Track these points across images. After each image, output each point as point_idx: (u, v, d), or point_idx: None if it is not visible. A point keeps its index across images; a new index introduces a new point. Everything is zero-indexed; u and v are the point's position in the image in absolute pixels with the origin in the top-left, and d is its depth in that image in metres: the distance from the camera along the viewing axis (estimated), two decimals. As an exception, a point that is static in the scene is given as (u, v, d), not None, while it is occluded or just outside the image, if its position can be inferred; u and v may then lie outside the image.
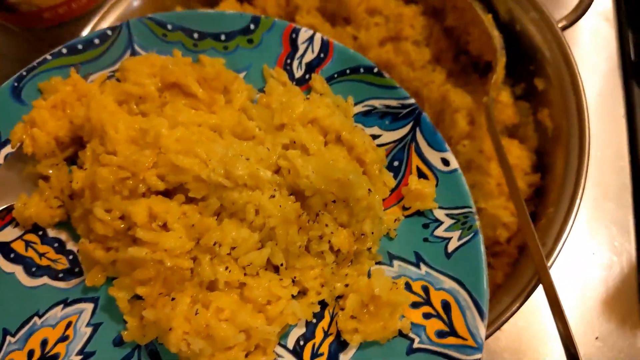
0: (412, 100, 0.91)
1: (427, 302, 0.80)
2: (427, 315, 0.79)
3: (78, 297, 0.80)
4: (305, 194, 0.79)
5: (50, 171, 0.84)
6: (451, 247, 0.82)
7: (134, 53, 0.95)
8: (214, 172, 0.75)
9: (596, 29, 1.28)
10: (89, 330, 0.78)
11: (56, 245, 0.84)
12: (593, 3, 1.05)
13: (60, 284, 0.81)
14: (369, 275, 0.81)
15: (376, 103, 0.93)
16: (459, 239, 0.82)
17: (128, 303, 0.77)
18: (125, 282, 0.76)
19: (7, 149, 0.87)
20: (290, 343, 0.79)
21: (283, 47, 0.97)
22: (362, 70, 0.94)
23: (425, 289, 0.81)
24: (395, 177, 0.88)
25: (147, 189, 0.78)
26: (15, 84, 0.89)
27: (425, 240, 0.84)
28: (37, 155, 0.84)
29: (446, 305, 0.79)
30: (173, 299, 0.73)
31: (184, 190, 0.79)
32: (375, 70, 0.93)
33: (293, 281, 0.79)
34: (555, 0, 1.23)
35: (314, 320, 0.80)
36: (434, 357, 0.76)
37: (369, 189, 0.76)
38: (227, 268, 0.74)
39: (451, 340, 0.77)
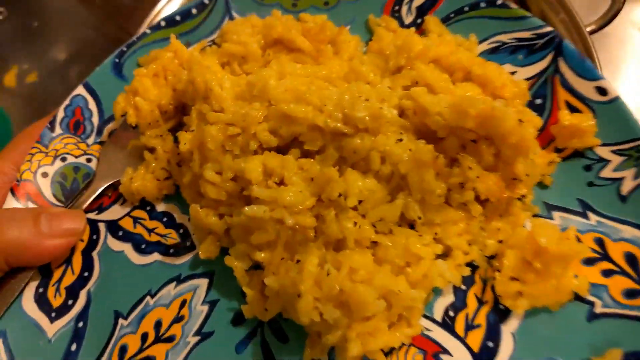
0: (549, 28, 0.77)
1: (605, 256, 0.65)
2: (607, 273, 0.64)
3: (191, 272, 0.73)
4: (437, 136, 0.67)
5: (156, 142, 0.78)
6: (626, 188, 0.67)
7: (232, 19, 0.89)
8: (330, 117, 0.66)
9: (626, 36, 1.25)
10: (205, 308, 0.70)
11: (165, 219, 0.77)
12: (623, 10, 1.01)
13: (172, 260, 0.74)
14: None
15: (504, 38, 0.80)
16: (635, 177, 0.66)
17: (246, 274, 0.68)
18: (242, 249, 0.68)
19: (112, 126, 0.83)
20: (438, 314, 0.66)
21: (389, -5, 0.88)
22: (482, 4, 0.82)
23: (600, 242, 0.66)
24: (540, 115, 0.74)
25: (259, 146, 0.69)
26: (117, 60, 0.85)
27: (591, 184, 0.69)
28: (141, 126, 0.79)
29: (631, 258, 0.63)
30: (298, 261, 0.62)
31: (298, 144, 0.70)
32: (499, 1, 0.80)
33: (434, 239, 0.66)
34: (587, 6, 1.16)
35: (463, 287, 0.67)
36: (626, 323, 0.60)
37: (520, 119, 0.63)
38: (355, 224, 0.63)
39: (646, 299, 0.61)
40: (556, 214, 0.69)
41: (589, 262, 0.65)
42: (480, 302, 0.66)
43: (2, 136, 1.23)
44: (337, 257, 0.62)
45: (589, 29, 0.98)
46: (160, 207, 0.78)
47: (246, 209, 0.64)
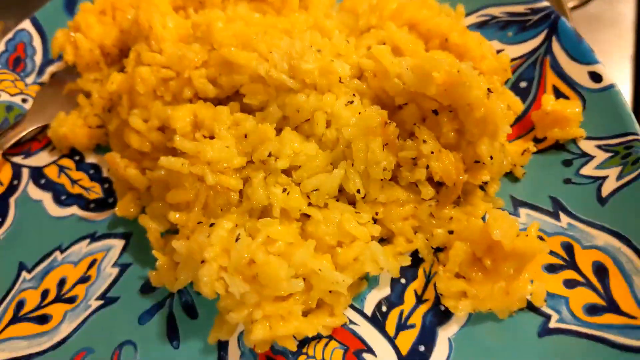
0: (544, 3, 0.68)
1: (571, 264, 0.55)
2: (570, 283, 0.54)
3: (108, 231, 0.65)
4: (395, 103, 0.58)
5: (93, 86, 0.71)
6: (607, 189, 0.57)
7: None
8: (275, 67, 0.57)
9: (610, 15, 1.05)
10: (114, 271, 0.62)
11: (92, 171, 0.70)
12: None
13: (90, 216, 0.66)
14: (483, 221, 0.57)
15: (495, 11, 0.71)
16: (619, 177, 0.57)
17: (162, 238, 0.60)
18: (158, 208, 0.60)
19: (56, 67, 0.76)
20: (369, 307, 0.57)
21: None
22: (476, -27, 0.73)
23: (568, 247, 0.56)
24: (523, 101, 0.65)
25: (194, 94, 0.62)
26: (70, -4, 0.79)
27: (568, 181, 0.59)
28: (79, 67, 0.72)
29: (600, 269, 0.54)
30: (212, 224, 0.54)
31: (238, 97, 0.61)
32: (495, -29, 0.72)
33: (374, 220, 0.58)
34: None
35: (403, 280, 0.58)
36: (582, 342, 0.50)
37: (488, 89, 0.54)
38: (285, 190, 0.55)
39: (609, 318, 0.51)
40: (523, 211, 0.60)
41: (551, 269, 0.55)
42: (419, 300, 0.56)
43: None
44: (255, 224, 0.53)
45: (570, 5, 0.91)
46: (90, 159, 0.71)
47: (162, 158, 0.56)
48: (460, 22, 0.70)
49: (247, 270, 0.51)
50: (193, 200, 0.57)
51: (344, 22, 0.68)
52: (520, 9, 0.69)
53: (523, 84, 0.66)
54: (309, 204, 0.56)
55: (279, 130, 0.58)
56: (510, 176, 0.62)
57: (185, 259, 0.55)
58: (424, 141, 0.55)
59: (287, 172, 0.56)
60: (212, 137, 0.59)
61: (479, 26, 0.71)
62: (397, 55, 0.61)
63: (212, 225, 0.54)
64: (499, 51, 0.68)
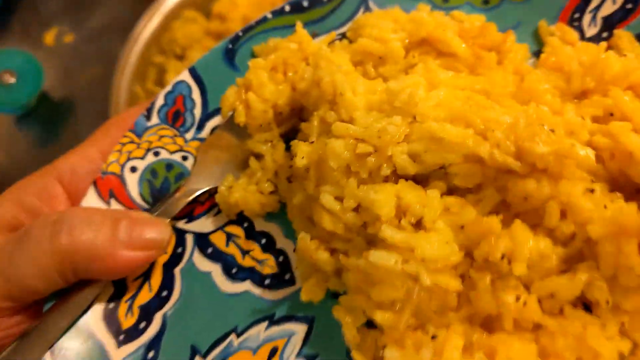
0: None
1: None
2: None
3: (288, 313, 0.59)
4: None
5: (265, 148, 0.65)
6: None
7: (368, 10, 0.75)
8: (499, 148, 0.50)
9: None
10: (299, 362, 0.57)
11: (264, 241, 0.65)
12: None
13: (266, 294, 0.61)
14: None
15: None
16: None
17: (358, 332, 0.54)
18: (357, 302, 0.53)
19: (215, 121, 0.72)
20: None
21: (568, -2, 0.70)
22: None
23: None
24: None
25: (392, 171, 0.55)
26: (230, 46, 0.73)
27: None
28: (250, 128, 0.66)
29: None
30: (434, 336, 0.47)
31: (443, 176, 0.54)
32: None
33: (620, 331, 0.49)
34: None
35: (651, 403, 0.49)
36: None
37: None
38: (518, 298, 0.47)
39: None
40: None
41: None
42: None
43: (34, 80, 1.27)
44: (488, 341, 0.46)
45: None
46: (260, 226, 0.66)
47: (372, 253, 0.50)
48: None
49: (481, 395, 0.44)
50: (403, 300, 0.50)
51: (551, 81, 0.59)
52: None
53: None
54: (542, 312, 0.48)
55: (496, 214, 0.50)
56: None
57: (397, 369, 0.48)
58: (692, 241, 0.46)
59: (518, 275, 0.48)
60: (418, 224, 0.52)
61: None
62: (633, 129, 0.52)
63: (434, 337, 0.47)
64: None
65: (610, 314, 0.49)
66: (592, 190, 0.48)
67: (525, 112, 0.52)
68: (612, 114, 0.55)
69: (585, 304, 0.50)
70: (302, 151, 0.58)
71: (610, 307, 0.48)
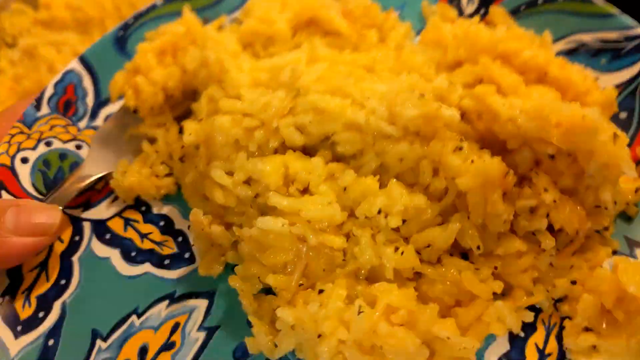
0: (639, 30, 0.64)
1: None
2: None
3: (188, 290, 0.60)
4: (507, 147, 0.54)
5: (158, 131, 0.66)
6: None
7: (259, -4, 0.77)
8: (374, 114, 0.53)
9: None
10: (201, 335, 0.57)
11: (162, 223, 0.65)
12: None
13: (166, 273, 0.61)
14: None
15: (586, 37, 0.67)
16: None
17: (254, 299, 0.55)
18: (251, 270, 0.55)
19: (110, 108, 0.71)
20: (489, 367, 0.53)
21: (447, -21, 0.75)
22: (560, -4, 0.69)
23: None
24: (625, 132, 0.61)
25: (280, 144, 0.57)
26: (120, 33, 0.73)
27: (689, 220, 0.56)
28: (141, 112, 0.67)
29: None
30: (321, 291, 0.50)
31: (329, 145, 0.57)
32: (581, -6, 0.67)
33: (493, 274, 0.53)
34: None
35: (522, 334, 0.54)
36: None
37: (615, 133, 0.50)
38: (397, 249, 0.50)
39: None
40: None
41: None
42: (543, 355, 0.52)
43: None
44: (370, 290, 0.49)
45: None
46: (158, 209, 0.66)
47: (260, 220, 0.52)
48: (549, 51, 0.66)
49: (366, 341, 0.47)
50: (293, 262, 0.52)
51: (428, 54, 0.64)
52: (613, 35, 0.65)
53: (623, 115, 0.62)
54: (420, 260, 0.52)
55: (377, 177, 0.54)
56: (623, 215, 0.58)
57: (291, 328, 0.50)
58: (545, 189, 0.51)
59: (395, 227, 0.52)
60: (306, 191, 0.54)
61: (568, 53, 0.67)
62: (498, 92, 0.57)
63: (321, 291, 0.50)
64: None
65: (484, 259, 0.53)
66: (460, 148, 0.52)
67: (398, 80, 0.55)
68: (481, 81, 0.59)
69: (464, 253, 0.55)
70: (190, 128, 0.59)
71: (483, 252, 0.53)
